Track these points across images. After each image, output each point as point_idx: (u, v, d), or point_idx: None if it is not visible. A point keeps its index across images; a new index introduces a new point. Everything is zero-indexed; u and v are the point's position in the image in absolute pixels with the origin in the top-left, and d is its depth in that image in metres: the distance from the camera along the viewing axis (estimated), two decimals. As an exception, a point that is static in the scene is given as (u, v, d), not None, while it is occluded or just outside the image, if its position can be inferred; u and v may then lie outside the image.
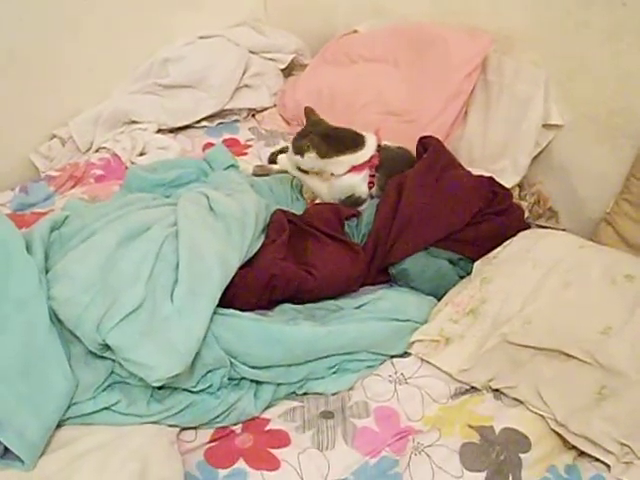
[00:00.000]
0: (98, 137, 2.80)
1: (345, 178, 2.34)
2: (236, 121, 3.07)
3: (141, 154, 2.74)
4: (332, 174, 2.34)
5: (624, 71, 2.35)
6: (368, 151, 2.34)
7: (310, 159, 2.32)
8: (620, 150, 2.41)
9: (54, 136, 2.81)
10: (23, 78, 2.63)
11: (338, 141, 2.33)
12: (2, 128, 2.62)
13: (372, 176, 2.34)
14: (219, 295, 1.78)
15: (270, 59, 3.22)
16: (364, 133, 2.37)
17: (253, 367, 1.77)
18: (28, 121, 2.73)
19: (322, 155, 2.30)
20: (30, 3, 2.53)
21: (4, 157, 2.68)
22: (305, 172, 2.42)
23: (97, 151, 2.78)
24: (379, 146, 2.36)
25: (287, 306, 1.99)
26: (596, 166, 2.51)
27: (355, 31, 3.13)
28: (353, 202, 2.33)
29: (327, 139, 2.31)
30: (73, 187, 2.56)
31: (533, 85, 2.55)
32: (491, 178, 2.28)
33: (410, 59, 2.84)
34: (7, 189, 2.53)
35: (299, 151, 2.33)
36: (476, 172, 2.35)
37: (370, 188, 2.34)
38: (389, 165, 2.33)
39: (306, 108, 2.46)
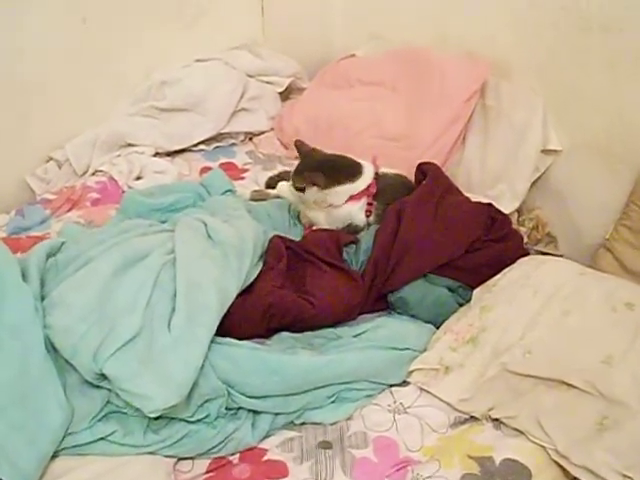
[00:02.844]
0: (95, 160, 2.79)
1: (343, 208, 2.33)
2: (233, 145, 3.07)
3: (138, 178, 2.73)
4: (330, 205, 2.33)
5: (622, 98, 2.36)
6: (365, 180, 2.33)
7: (311, 193, 2.31)
8: (619, 176, 2.41)
9: (50, 158, 2.80)
10: (20, 100, 2.62)
11: (336, 171, 2.32)
12: (-2, 150, 2.60)
13: (370, 204, 2.33)
14: (217, 324, 1.76)
15: (268, 82, 3.22)
16: (361, 161, 2.37)
17: (251, 397, 1.75)
18: (25, 143, 2.72)
19: (323, 187, 2.29)
20: (28, 26, 2.53)
21: (0, 180, 2.66)
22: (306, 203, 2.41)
23: (94, 174, 2.77)
24: (376, 174, 2.36)
25: (285, 334, 1.97)
26: (595, 192, 2.51)
27: (353, 55, 3.13)
28: (351, 231, 2.33)
29: (325, 170, 2.29)
30: (69, 210, 2.55)
31: (531, 111, 2.56)
32: (490, 204, 2.27)
33: (408, 84, 2.85)
34: (3, 212, 2.52)
35: (300, 188, 2.32)
36: (475, 198, 2.35)
37: (367, 216, 2.33)
38: (386, 193, 2.33)
39: (296, 141, 2.44)
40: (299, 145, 2.42)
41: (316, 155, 2.39)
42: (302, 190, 2.32)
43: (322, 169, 2.29)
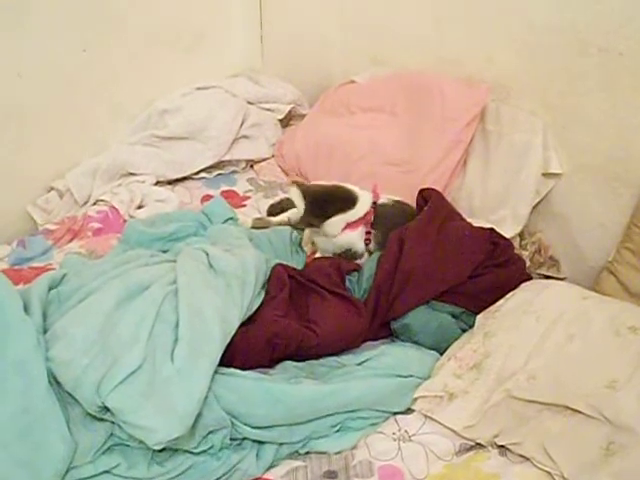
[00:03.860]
0: (96, 190, 2.78)
1: (341, 236, 2.34)
2: (234, 172, 3.07)
3: (139, 207, 2.73)
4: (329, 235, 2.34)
5: (621, 120, 2.36)
6: (361, 208, 2.34)
7: (310, 232, 2.39)
8: (620, 199, 2.41)
9: (52, 188, 2.79)
10: (21, 130, 2.63)
11: (327, 206, 2.32)
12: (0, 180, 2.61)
13: (368, 232, 2.34)
14: (220, 354, 1.76)
15: (268, 109, 3.23)
16: (357, 190, 2.37)
17: (255, 427, 1.74)
18: (26, 173, 2.72)
19: (318, 224, 2.32)
20: (28, 55, 2.54)
21: (1, 210, 2.66)
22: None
23: (95, 204, 2.76)
24: (374, 203, 2.36)
25: (288, 364, 1.97)
26: (597, 215, 2.51)
27: (352, 81, 3.14)
28: (350, 256, 2.34)
29: (315, 209, 2.31)
30: (71, 241, 2.54)
31: (531, 134, 2.56)
32: (492, 229, 2.27)
33: (408, 109, 2.85)
34: (4, 243, 2.51)
35: (299, 229, 2.41)
36: (476, 223, 2.34)
37: (367, 244, 2.34)
38: (384, 221, 2.34)
39: (293, 182, 2.46)
40: (294, 185, 2.41)
41: (309, 192, 2.36)
42: (301, 231, 2.42)
43: (313, 208, 2.31)
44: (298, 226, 2.42)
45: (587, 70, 2.39)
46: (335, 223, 2.32)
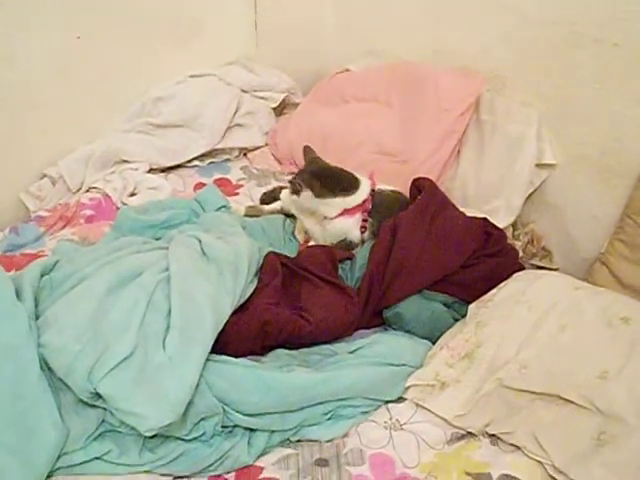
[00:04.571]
0: (89, 177, 2.77)
1: (337, 222, 2.34)
2: (227, 160, 3.06)
3: (132, 194, 2.72)
4: (325, 217, 2.33)
5: (616, 112, 2.35)
6: (360, 195, 2.34)
7: (305, 198, 2.33)
8: (613, 190, 2.41)
9: (44, 175, 2.78)
10: (14, 117, 2.61)
11: (332, 182, 2.33)
12: (-7, 167, 2.60)
13: (364, 221, 2.33)
14: (212, 342, 1.76)
15: (262, 98, 3.22)
16: (359, 176, 2.37)
17: (247, 414, 1.74)
18: (18, 160, 2.71)
19: (316, 194, 2.30)
20: (21, 41, 2.52)
21: (-6, 197, 2.65)
22: (303, 212, 2.42)
23: (88, 191, 2.75)
24: (372, 190, 2.36)
25: (281, 351, 1.97)
26: (590, 206, 2.51)
27: (347, 70, 3.13)
28: (345, 246, 2.33)
29: (322, 179, 2.32)
30: (63, 228, 2.54)
31: (525, 125, 2.56)
32: (485, 219, 2.28)
33: (403, 99, 2.85)
34: (-3, 230, 2.51)
35: (295, 190, 2.34)
36: (470, 213, 2.35)
37: (362, 233, 2.34)
38: (382, 209, 2.34)
39: (305, 147, 2.48)
40: (307, 151, 2.46)
41: (319, 163, 2.42)
42: (296, 193, 2.34)
43: (320, 177, 2.32)
44: (295, 184, 2.37)
45: (581, 61, 2.39)
46: (334, 204, 2.33)
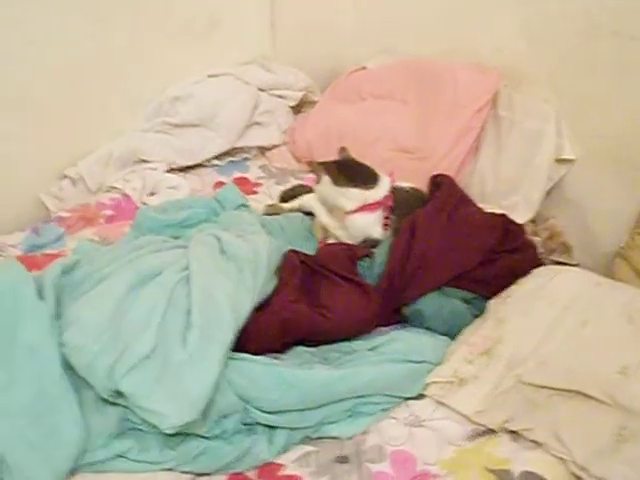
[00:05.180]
0: (108, 177, 2.79)
1: (357, 217, 2.33)
2: (246, 159, 3.07)
3: (151, 194, 2.74)
4: (345, 213, 2.33)
5: (634, 105, 2.36)
6: (380, 191, 2.34)
7: (324, 184, 2.35)
8: (633, 184, 2.41)
9: (65, 176, 2.79)
10: (34, 117, 2.62)
11: (353, 173, 2.34)
12: (13, 168, 2.61)
13: (387, 218, 2.33)
14: (232, 340, 1.76)
15: (279, 96, 3.22)
16: (380, 174, 2.37)
17: (267, 412, 1.75)
18: (39, 161, 2.72)
19: (334, 181, 2.31)
20: (42, 42, 2.54)
21: (15, 198, 2.66)
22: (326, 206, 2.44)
23: (107, 191, 2.77)
24: (393, 188, 2.36)
25: (300, 349, 1.97)
26: (609, 200, 2.50)
27: (364, 68, 3.14)
28: (369, 244, 2.32)
29: (342, 168, 2.33)
30: (83, 228, 2.55)
31: (543, 120, 2.56)
32: (504, 215, 2.27)
33: (420, 95, 2.85)
34: (18, 230, 2.52)
35: (316, 175, 2.37)
36: (489, 208, 2.35)
37: (385, 230, 2.33)
38: (403, 207, 2.33)
39: (341, 148, 2.48)
40: (341, 151, 2.45)
41: (346, 158, 2.43)
42: (318, 179, 2.37)
43: (341, 166, 2.34)
44: (318, 170, 2.39)
45: (599, 55, 2.40)
46: (352, 195, 2.33)
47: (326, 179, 2.33)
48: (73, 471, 1.60)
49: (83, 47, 2.69)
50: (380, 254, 2.21)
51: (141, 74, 2.92)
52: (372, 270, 2.19)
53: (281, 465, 1.72)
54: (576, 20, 2.40)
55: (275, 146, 3.15)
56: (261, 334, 1.90)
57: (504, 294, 2.08)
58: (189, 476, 1.67)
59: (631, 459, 1.58)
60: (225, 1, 3.15)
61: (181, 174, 2.90)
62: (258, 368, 1.78)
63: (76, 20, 2.63)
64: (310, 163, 2.75)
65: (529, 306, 1.97)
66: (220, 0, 3.12)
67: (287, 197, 2.67)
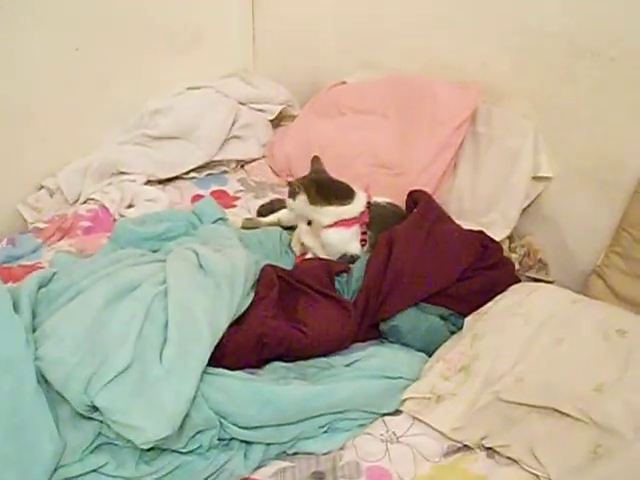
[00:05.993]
0: (86, 188, 2.78)
1: (332, 232, 2.33)
2: (225, 172, 3.07)
3: (129, 206, 2.73)
4: (321, 227, 2.33)
5: (612, 124, 2.37)
6: (356, 207, 2.35)
7: (300, 202, 2.34)
8: (610, 202, 2.42)
9: (42, 187, 2.78)
10: (11, 128, 2.62)
11: (328, 191, 2.34)
12: (-10, 178, 2.60)
13: (364, 233, 2.33)
14: (209, 355, 1.76)
15: (259, 110, 3.23)
16: (355, 189, 2.37)
17: (243, 427, 1.74)
18: (16, 172, 2.71)
19: (311, 200, 2.31)
20: (19, 53, 2.53)
21: (-9, 208, 2.65)
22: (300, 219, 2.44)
23: (85, 202, 2.76)
24: (369, 203, 2.36)
25: (277, 364, 1.97)
26: (586, 218, 2.52)
27: (344, 82, 3.14)
28: (346, 260, 2.32)
29: (319, 186, 2.33)
30: (61, 239, 2.54)
31: (522, 137, 2.57)
32: (481, 232, 2.28)
33: (399, 111, 2.86)
34: (-6, 241, 2.50)
35: (292, 193, 2.35)
36: (466, 225, 2.35)
37: (363, 246, 2.33)
38: (379, 222, 2.34)
39: (314, 157, 2.49)
40: (314, 161, 2.47)
41: (320, 174, 2.43)
42: (294, 196, 2.35)
43: (317, 184, 2.33)
44: (293, 187, 2.38)
45: (579, 74, 2.41)
46: (328, 212, 2.33)
47: (303, 197, 2.33)
48: (48, 486, 1.59)
49: (64, 59, 2.68)
50: (357, 269, 2.21)
51: (123, 87, 2.93)
52: (349, 286, 2.19)
53: (257, 480, 1.71)
54: (556, 39, 2.41)
55: (254, 160, 3.16)
56: (238, 349, 1.89)
57: (481, 311, 2.08)
58: (165, 492, 1.66)
59: (605, 476, 1.59)
60: (207, 15, 3.15)
61: (160, 186, 2.90)
62: (235, 383, 1.77)
63: (57, 32, 2.63)
64: (287, 180, 2.74)
65: (505, 323, 1.97)
66: (202, 14, 3.13)
67: (265, 211, 2.68)
